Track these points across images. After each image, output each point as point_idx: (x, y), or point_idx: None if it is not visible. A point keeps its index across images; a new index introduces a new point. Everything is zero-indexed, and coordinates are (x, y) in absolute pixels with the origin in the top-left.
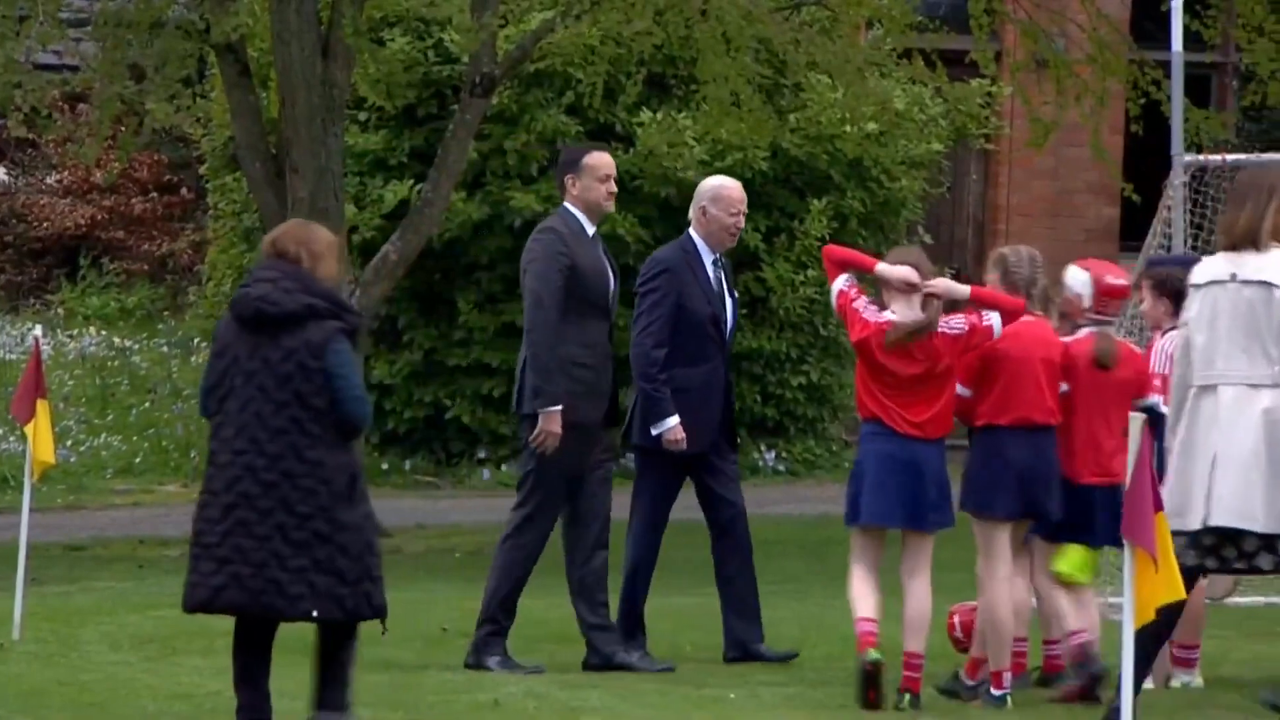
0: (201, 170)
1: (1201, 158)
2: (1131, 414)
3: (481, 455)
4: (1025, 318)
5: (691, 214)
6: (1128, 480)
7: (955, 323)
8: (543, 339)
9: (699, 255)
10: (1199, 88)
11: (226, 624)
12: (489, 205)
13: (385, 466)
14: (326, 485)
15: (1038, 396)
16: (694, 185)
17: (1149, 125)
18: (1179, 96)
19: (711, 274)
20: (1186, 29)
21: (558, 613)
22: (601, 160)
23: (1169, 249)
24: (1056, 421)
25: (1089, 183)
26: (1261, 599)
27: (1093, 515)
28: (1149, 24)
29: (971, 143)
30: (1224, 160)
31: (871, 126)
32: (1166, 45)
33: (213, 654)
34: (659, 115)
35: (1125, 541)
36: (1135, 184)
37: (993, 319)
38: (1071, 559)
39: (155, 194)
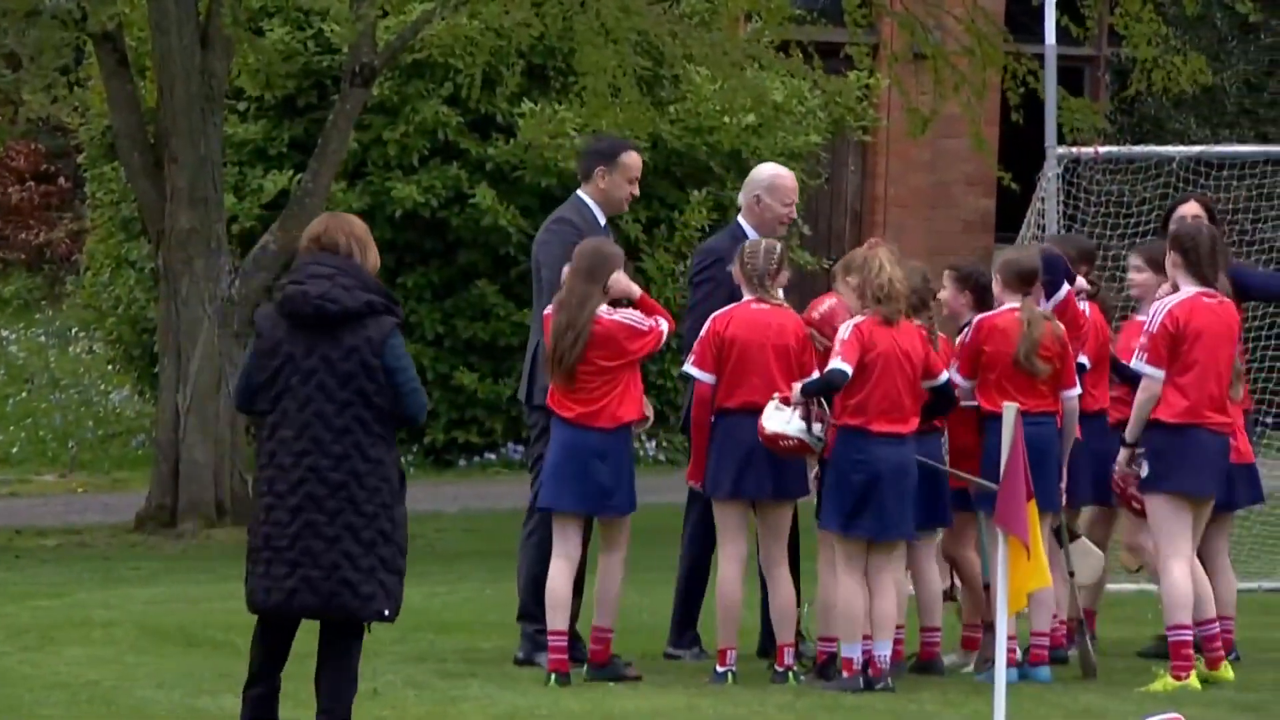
0: (79, 159)
1: (1074, 150)
2: (1005, 404)
3: None
4: (761, 305)
5: (743, 202)
6: (1001, 469)
7: (634, 315)
8: None
9: None
10: (1072, 80)
11: (105, 615)
12: (369, 195)
13: None
14: (387, 483)
15: (767, 381)
16: (574, 176)
17: (1024, 116)
18: (1053, 90)
19: None
20: (1058, 23)
21: (436, 601)
22: (636, 161)
23: (1043, 239)
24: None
25: (965, 174)
26: (1132, 586)
27: None
28: (1023, 17)
29: (849, 135)
30: (1096, 153)
31: (750, 118)
32: (1040, 38)
33: (90, 644)
34: (539, 106)
35: (999, 530)
36: (1011, 175)
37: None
38: None
39: (32, 183)
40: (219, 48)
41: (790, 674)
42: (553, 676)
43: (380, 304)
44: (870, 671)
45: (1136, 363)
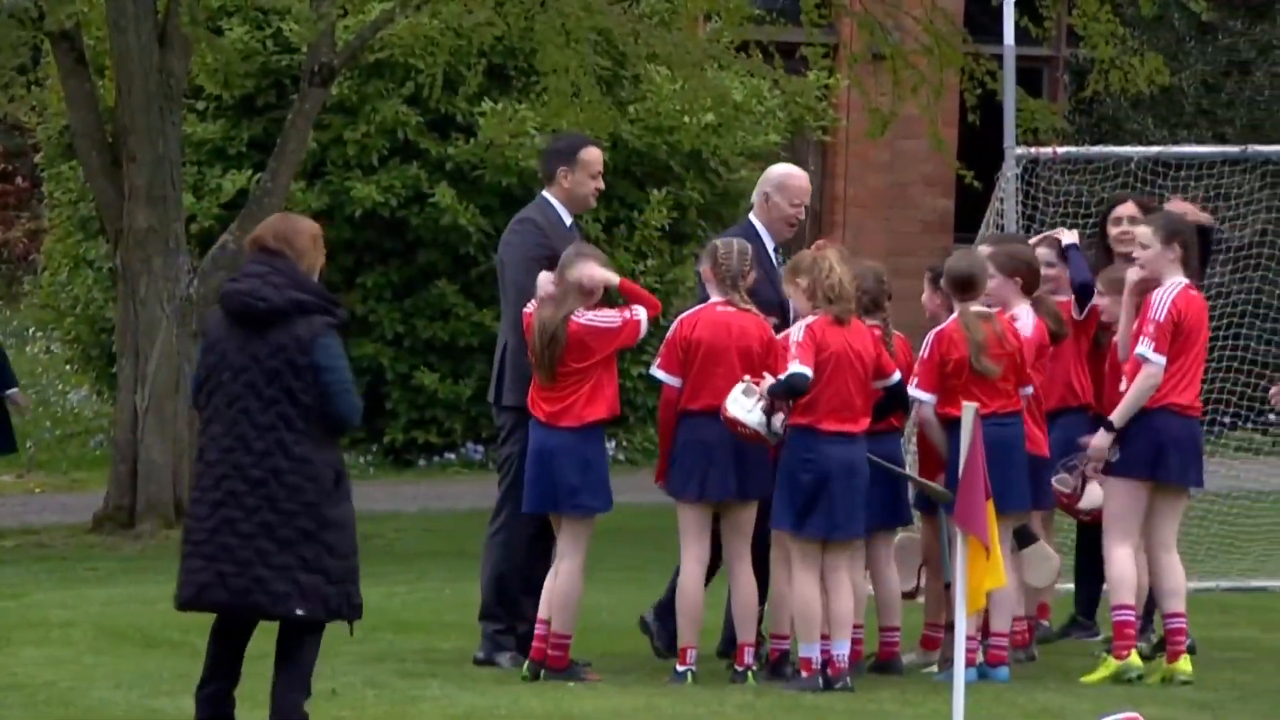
0: (37, 159)
1: (1033, 150)
2: (964, 404)
3: None
4: (727, 308)
5: (754, 200)
6: (960, 469)
7: (606, 316)
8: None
9: (763, 242)
10: (1030, 81)
11: (62, 615)
12: (329, 195)
13: None
14: (313, 482)
15: (731, 384)
16: (534, 175)
17: (982, 117)
18: (1011, 90)
19: (776, 261)
20: (1017, 23)
21: (395, 601)
22: (595, 156)
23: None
24: None
25: (924, 175)
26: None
27: None
28: (982, 18)
29: (809, 135)
30: (1054, 153)
31: (710, 118)
32: (999, 39)
33: (47, 644)
34: (500, 106)
35: (959, 529)
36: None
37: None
38: None
39: None
40: (177, 47)
41: (750, 673)
42: (527, 665)
43: (312, 303)
44: (829, 671)
45: (1142, 349)
